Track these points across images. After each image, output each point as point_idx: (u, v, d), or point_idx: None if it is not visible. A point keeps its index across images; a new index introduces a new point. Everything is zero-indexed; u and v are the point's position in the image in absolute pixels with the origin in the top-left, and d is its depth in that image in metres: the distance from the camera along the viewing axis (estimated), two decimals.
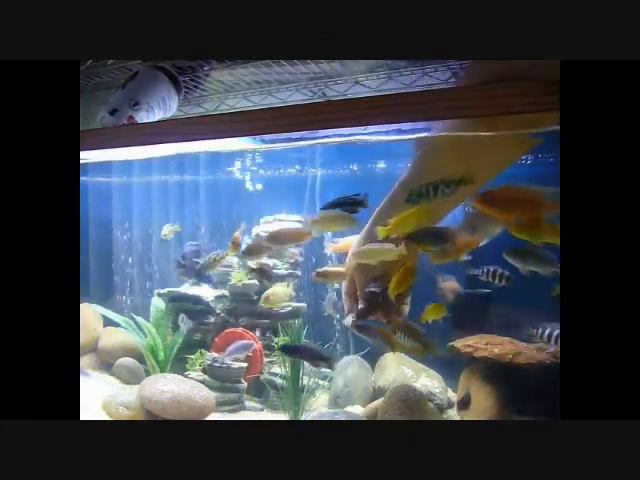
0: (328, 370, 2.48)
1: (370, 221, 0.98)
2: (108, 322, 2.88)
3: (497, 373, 2.08)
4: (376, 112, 0.72)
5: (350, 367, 2.46)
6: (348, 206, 1.27)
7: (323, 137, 0.95)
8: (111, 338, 2.85)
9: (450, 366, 2.40)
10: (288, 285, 2.48)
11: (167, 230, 2.43)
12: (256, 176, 3.29)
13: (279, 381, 2.37)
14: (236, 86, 1.24)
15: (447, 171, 0.84)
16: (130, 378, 2.63)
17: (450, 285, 1.62)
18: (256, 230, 2.99)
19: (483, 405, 2.03)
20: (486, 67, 0.74)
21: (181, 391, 2.13)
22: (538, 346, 2.08)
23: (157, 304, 2.74)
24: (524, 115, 0.66)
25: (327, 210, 1.28)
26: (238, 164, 3.13)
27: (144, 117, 1.08)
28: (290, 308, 2.62)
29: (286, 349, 1.67)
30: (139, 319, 2.67)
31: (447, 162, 0.86)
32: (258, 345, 2.54)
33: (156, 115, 1.12)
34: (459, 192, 0.85)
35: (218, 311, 2.74)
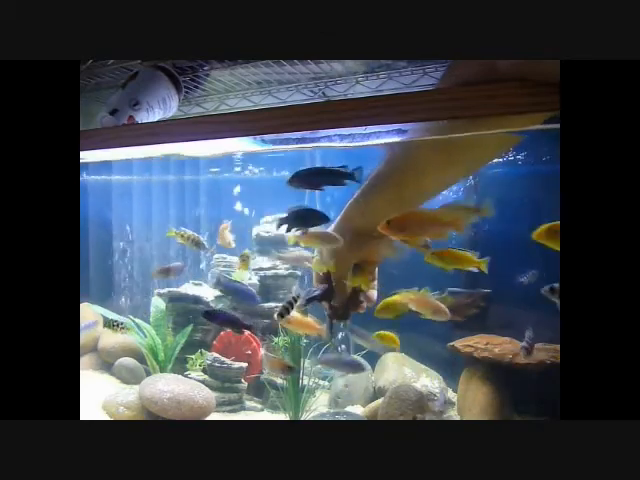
0: (329, 371, 2.49)
1: (342, 214, 0.96)
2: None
3: (497, 373, 2.08)
4: (376, 112, 0.72)
5: None
6: (335, 177, 1.04)
7: (323, 138, 0.94)
8: (111, 338, 2.85)
9: (450, 366, 2.40)
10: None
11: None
12: (256, 176, 3.29)
13: (279, 381, 2.37)
14: (236, 86, 1.24)
15: (426, 167, 0.84)
16: (130, 378, 2.63)
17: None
18: (256, 230, 3.00)
19: (483, 405, 2.04)
20: (466, 68, 0.73)
21: (181, 391, 2.13)
22: (538, 346, 2.08)
23: (157, 304, 2.74)
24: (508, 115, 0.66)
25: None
26: (238, 164, 3.13)
27: (144, 117, 1.08)
28: None
29: (208, 315, 1.68)
30: (137, 320, 2.67)
31: (426, 158, 0.85)
32: (258, 345, 2.55)
33: (156, 115, 1.12)
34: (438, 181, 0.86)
35: None
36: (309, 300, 1.04)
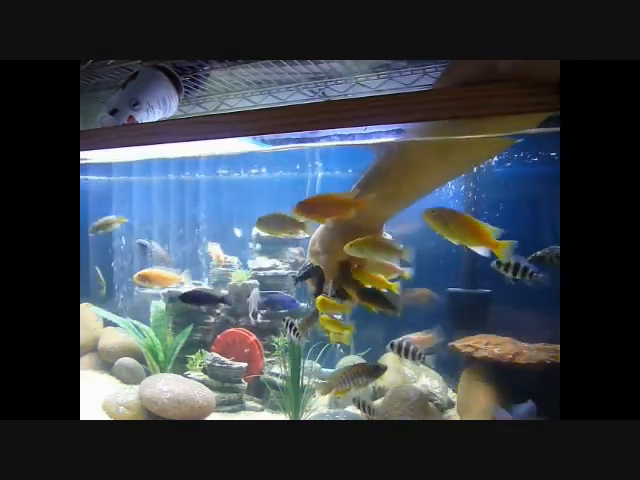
0: (329, 370, 2.49)
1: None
2: (108, 322, 2.89)
3: (497, 373, 2.08)
4: (376, 112, 0.72)
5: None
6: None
7: (323, 138, 0.95)
8: (111, 338, 2.85)
9: (450, 366, 2.40)
10: None
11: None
12: (256, 176, 3.28)
13: (279, 381, 2.37)
14: (236, 86, 1.24)
15: (422, 164, 0.84)
16: (130, 378, 2.63)
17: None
18: (256, 230, 2.99)
19: (483, 405, 2.03)
20: (465, 68, 0.73)
21: (181, 391, 2.13)
22: (538, 346, 2.08)
23: (157, 304, 2.74)
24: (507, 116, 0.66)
25: None
26: (238, 164, 3.13)
27: (144, 117, 1.08)
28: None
29: (185, 297, 1.68)
30: (136, 322, 2.67)
31: (422, 156, 0.86)
32: (258, 344, 2.55)
33: (156, 115, 1.12)
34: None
35: (218, 311, 2.74)
36: (298, 279, 1.07)
